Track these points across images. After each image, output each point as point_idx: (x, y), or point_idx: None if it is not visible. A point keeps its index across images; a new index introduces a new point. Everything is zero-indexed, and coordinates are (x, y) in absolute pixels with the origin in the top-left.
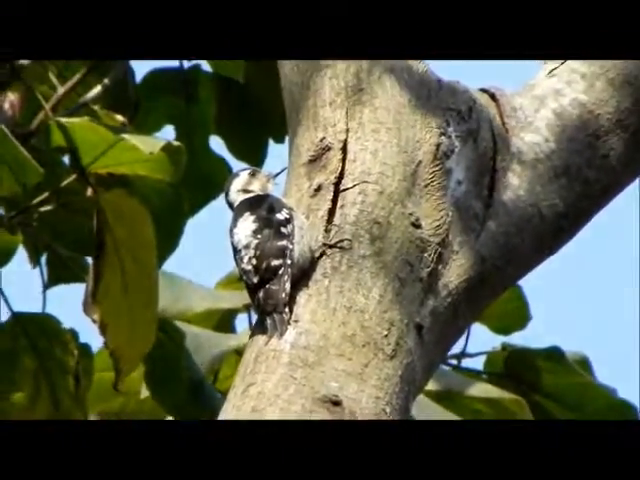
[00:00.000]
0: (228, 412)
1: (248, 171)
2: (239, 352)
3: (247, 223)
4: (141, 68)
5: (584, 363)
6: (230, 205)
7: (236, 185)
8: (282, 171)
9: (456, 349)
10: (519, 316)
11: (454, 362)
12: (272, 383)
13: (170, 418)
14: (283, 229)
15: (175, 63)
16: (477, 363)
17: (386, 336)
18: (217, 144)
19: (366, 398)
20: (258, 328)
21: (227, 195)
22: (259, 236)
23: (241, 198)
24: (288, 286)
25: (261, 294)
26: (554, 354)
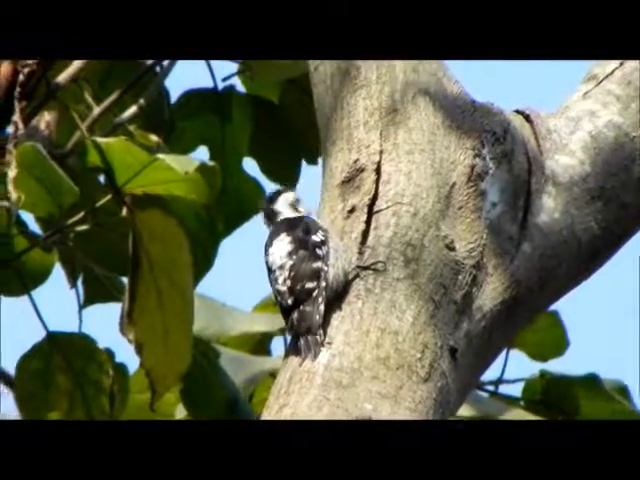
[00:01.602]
0: None
1: (294, 194)
2: (274, 375)
3: (283, 244)
4: (176, 88)
5: (623, 390)
6: (269, 215)
7: (286, 199)
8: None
9: (494, 375)
10: (557, 343)
11: (491, 388)
12: (306, 404)
13: None
14: (318, 251)
15: (207, 82)
16: (515, 390)
17: (420, 359)
18: (250, 165)
19: None
20: (292, 349)
21: (271, 204)
22: (294, 257)
23: (285, 214)
24: (322, 308)
25: (295, 316)
26: (592, 381)
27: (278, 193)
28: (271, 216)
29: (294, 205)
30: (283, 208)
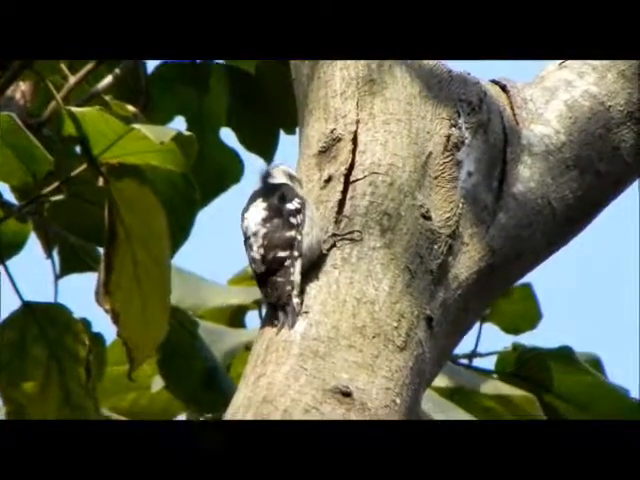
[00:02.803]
0: (239, 402)
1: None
2: (249, 348)
3: (258, 210)
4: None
5: (596, 363)
6: (265, 176)
7: (287, 169)
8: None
9: (467, 349)
10: (530, 316)
11: (465, 362)
12: (282, 374)
13: (183, 413)
14: (292, 219)
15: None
16: (488, 363)
17: (396, 328)
18: (228, 136)
19: (376, 389)
20: (268, 319)
21: (272, 167)
22: (268, 225)
23: (276, 180)
24: (295, 278)
25: (268, 285)
26: (565, 354)
27: (280, 164)
28: (264, 177)
29: (292, 176)
30: (278, 175)
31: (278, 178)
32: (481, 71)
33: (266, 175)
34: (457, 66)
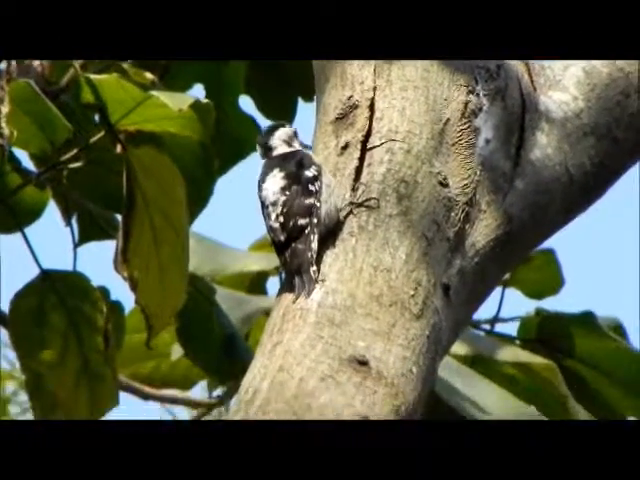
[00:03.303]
0: (255, 371)
1: (293, 129)
2: (268, 314)
3: (276, 179)
4: None
5: (618, 328)
6: (266, 149)
7: (282, 134)
8: (309, 147)
9: (489, 314)
10: (553, 281)
11: (487, 327)
12: (299, 342)
13: (202, 380)
14: (311, 186)
15: None
16: (511, 328)
17: (413, 296)
18: (246, 103)
19: (393, 358)
20: (285, 287)
21: (269, 138)
22: (287, 193)
23: (279, 149)
24: (314, 245)
25: (288, 253)
26: (587, 319)
27: (275, 128)
28: (266, 150)
29: (289, 141)
30: (278, 143)
31: (277, 144)
32: None
33: (265, 143)
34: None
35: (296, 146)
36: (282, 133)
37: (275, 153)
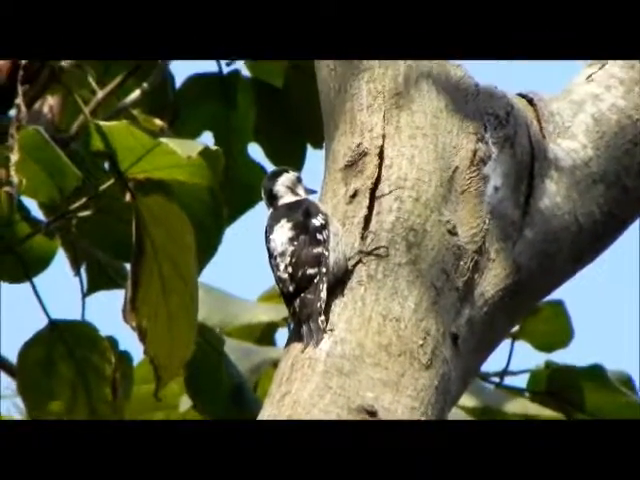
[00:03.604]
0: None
1: (296, 175)
2: (277, 365)
3: (284, 230)
4: (181, 73)
5: (628, 382)
6: (271, 197)
7: (286, 180)
8: (314, 192)
9: (499, 366)
10: (562, 334)
11: (496, 380)
12: (307, 392)
13: None
14: (319, 235)
15: (211, 67)
16: (520, 381)
17: (422, 345)
18: (255, 151)
19: (402, 408)
20: (294, 336)
21: (273, 185)
22: (295, 243)
23: (285, 198)
24: (324, 295)
25: (297, 303)
26: (597, 372)
27: (278, 174)
28: (270, 197)
29: (292, 187)
30: (282, 190)
31: (281, 191)
32: (508, 84)
33: (270, 189)
34: (482, 77)
35: (300, 192)
36: (285, 179)
37: (281, 201)
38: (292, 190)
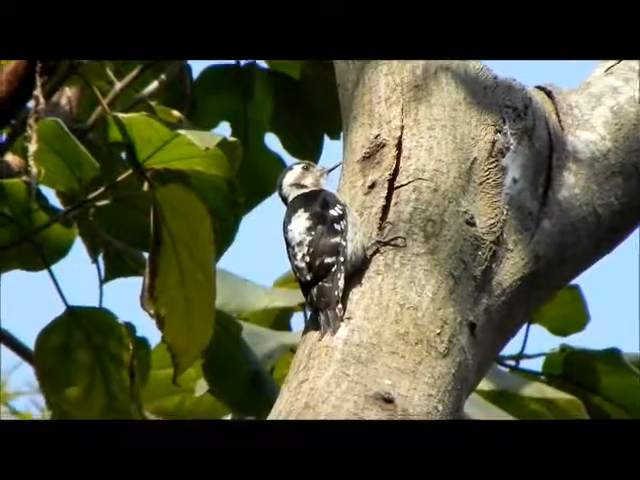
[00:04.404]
0: (281, 407)
1: (302, 165)
2: (294, 350)
3: (301, 220)
4: (198, 64)
5: None
6: (284, 199)
7: (289, 179)
8: (336, 166)
9: (514, 350)
10: (578, 317)
11: (512, 363)
12: (324, 380)
13: (229, 415)
14: (336, 225)
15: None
16: (536, 365)
17: (439, 334)
18: (273, 141)
19: (418, 396)
20: (311, 324)
21: (280, 189)
22: (313, 233)
23: (295, 193)
24: (341, 284)
25: (314, 291)
26: (613, 356)
27: (283, 175)
28: (284, 200)
29: (299, 182)
30: (288, 190)
31: (289, 192)
32: (526, 77)
33: (280, 194)
34: (500, 70)
35: (308, 182)
36: (288, 178)
37: (293, 198)
38: (298, 185)
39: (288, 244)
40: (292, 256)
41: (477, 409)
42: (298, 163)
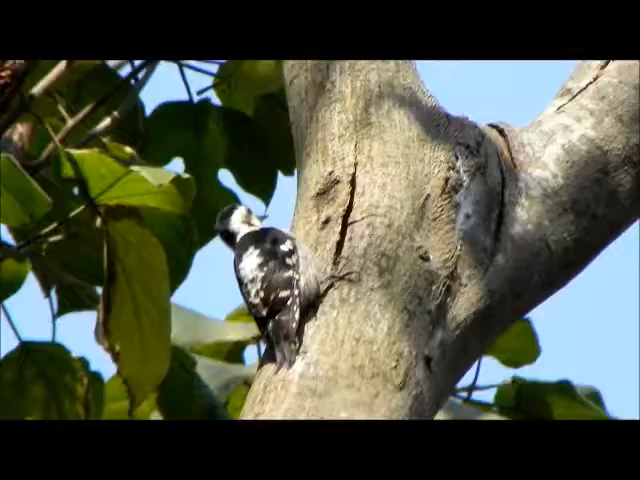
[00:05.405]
0: None
1: (245, 207)
2: (248, 383)
3: (252, 257)
4: (151, 101)
5: (595, 397)
6: (228, 236)
7: (238, 216)
8: (264, 217)
9: (466, 382)
10: (529, 350)
11: (464, 395)
12: (281, 413)
13: None
14: (288, 260)
15: (182, 95)
16: (488, 396)
17: (395, 367)
18: (226, 177)
19: None
20: (267, 358)
21: (227, 225)
22: (265, 269)
23: (244, 230)
24: (297, 316)
25: (270, 325)
26: (564, 387)
27: (229, 212)
28: (229, 237)
29: (247, 220)
30: (238, 226)
31: (238, 227)
32: (478, 115)
33: (225, 229)
34: (453, 108)
35: (255, 222)
36: (238, 215)
37: (241, 235)
38: (247, 223)
39: (240, 282)
40: (245, 293)
41: None
42: (238, 205)
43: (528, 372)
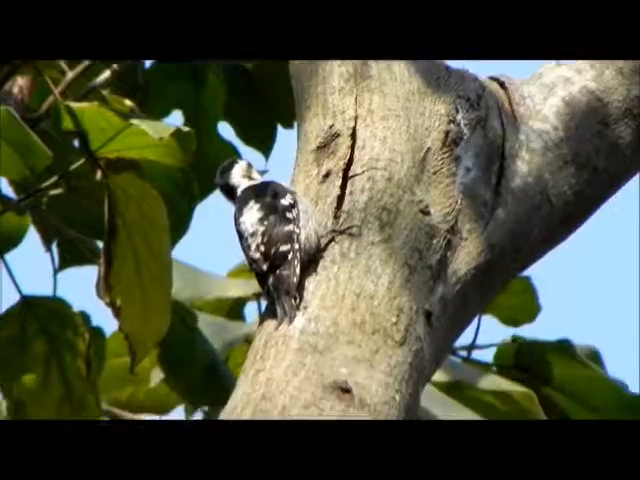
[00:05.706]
0: (237, 399)
1: (246, 161)
2: (249, 340)
3: (253, 211)
4: None
5: (595, 356)
6: (229, 190)
7: (239, 170)
8: (265, 172)
9: (466, 341)
10: (529, 308)
11: (464, 354)
12: (281, 369)
13: (180, 407)
14: (288, 214)
15: None
16: (487, 355)
17: (395, 323)
18: (226, 129)
19: (375, 385)
20: (267, 314)
21: (228, 179)
22: (265, 223)
23: (245, 184)
24: (298, 270)
25: (271, 280)
26: (564, 347)
27: (230, 166)
28: (229, 191)
29: (247, 174)
30: (239, 180)
31: (239, 181)
32: (479, 68)
33: (226, 183)
34: (455, 63)
35: (255, 176)
36: (238, 169)
37: (241, 189)
38: (248, 177)
39: (241, 236)
40: (246, 248)
41: (432, 401)
42: (238, 160)
43: (528, 331)
